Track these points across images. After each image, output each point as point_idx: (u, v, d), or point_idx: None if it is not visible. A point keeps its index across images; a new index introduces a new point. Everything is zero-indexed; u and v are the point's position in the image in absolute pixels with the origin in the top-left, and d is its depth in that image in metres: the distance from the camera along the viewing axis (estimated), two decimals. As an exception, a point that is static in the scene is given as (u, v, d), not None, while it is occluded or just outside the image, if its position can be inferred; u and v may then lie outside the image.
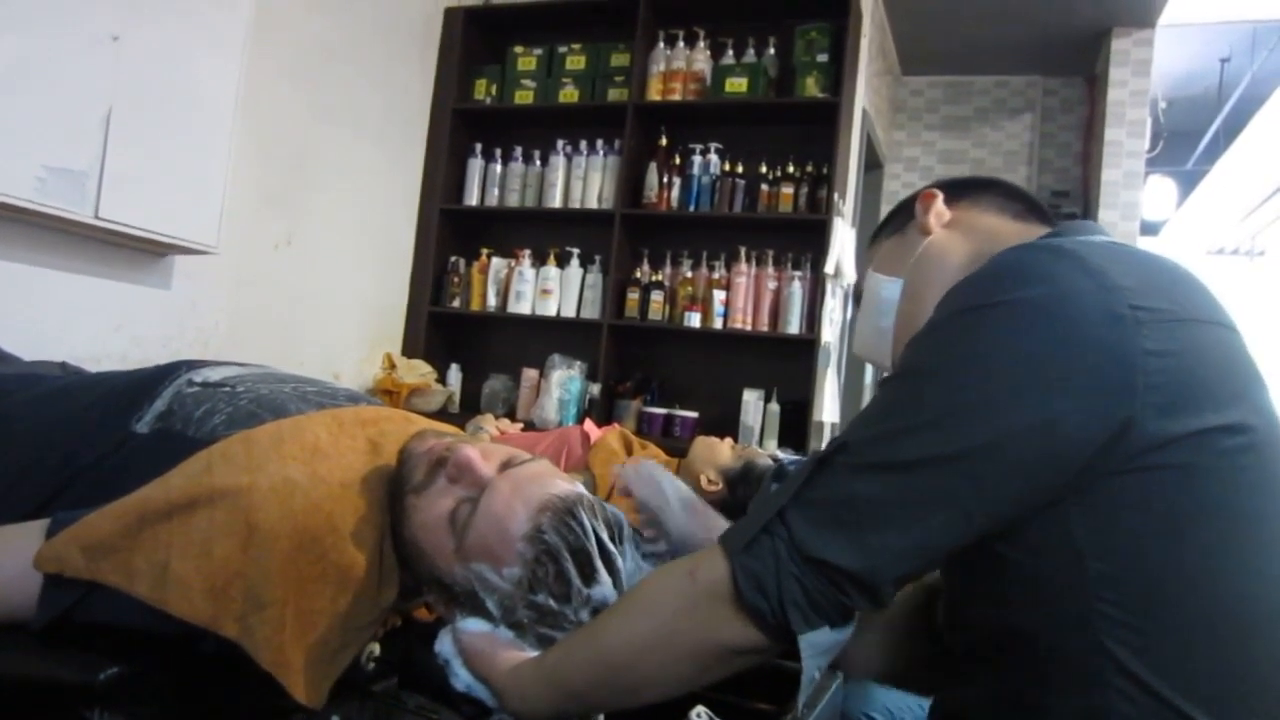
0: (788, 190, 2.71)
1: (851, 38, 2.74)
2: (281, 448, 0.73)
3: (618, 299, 2.85)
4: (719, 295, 2.74)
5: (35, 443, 0.83)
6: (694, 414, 2.74)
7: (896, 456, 0.55)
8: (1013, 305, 0.55)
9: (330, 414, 0.83)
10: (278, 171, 2.45)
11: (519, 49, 3.06)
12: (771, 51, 2.83)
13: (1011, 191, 0.77)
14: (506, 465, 0.74)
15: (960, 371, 0.56)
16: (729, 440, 1.70)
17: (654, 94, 2.84)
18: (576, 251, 2.95)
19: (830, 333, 2.76)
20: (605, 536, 0.70)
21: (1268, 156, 4.86)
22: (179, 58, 1.84)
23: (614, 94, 2.92)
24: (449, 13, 3.12)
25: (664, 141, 2.88)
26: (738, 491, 1.53)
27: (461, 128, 3.10)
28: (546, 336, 3.00)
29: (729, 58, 2.83)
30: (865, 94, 3.34)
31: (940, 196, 0.76)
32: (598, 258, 2.93)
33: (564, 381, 2.79)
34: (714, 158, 2.80)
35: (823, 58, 2.72)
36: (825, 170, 2.69)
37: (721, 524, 0.83)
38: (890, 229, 0.81)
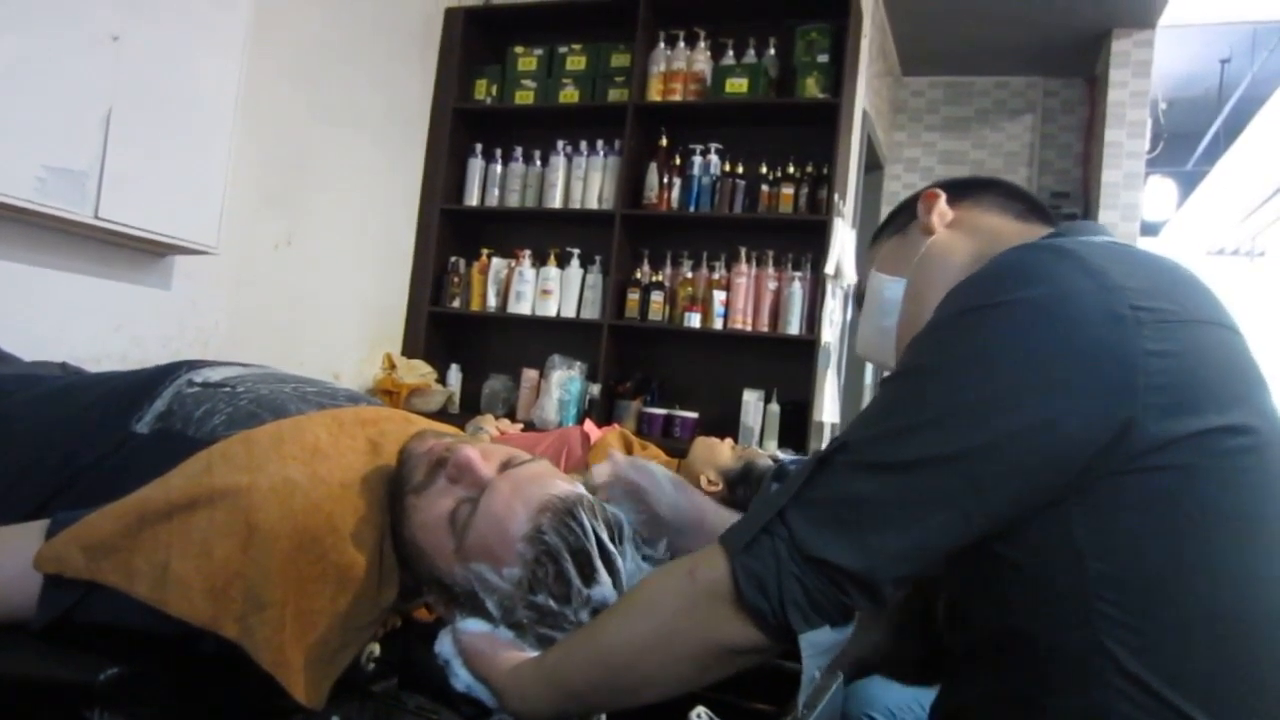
0: (788, 191, 2.71)
1: (852, 38, 2.74)
2: (281, 448, 0.73)
3: (618, 299, 2.85)
4: (719, 296, 2.74)
5: (35, 443, 0.83)
6: (694, 414, 2.74)
7: (897, 456, 0.55)
8: (1014, 305, 0.55)
9: (330, 414, 0.83)
10: (278, 171, 2.45)
11: (519, 49, 3.07)
12: (772, 52, 2.83)
13: (1013, 191, 0.77)
14: (506, 465, 0.74)
15: (961, 371, 0.56)
16: (729, 441, 1.70)
17: (654, 94, 2.84)
18: (577, 252, 2.95)
19: (830, 333, 2.76)
20: (605, 537, 0.70)
21: (1268, 157, 4.86)
22: (179, 58, 1.84)
23: (614, 94, 2.92)
24: (449, 13, 3.13)
25: (664, 142, 2.88)
26: (738, 492, 1.53)
27: (462, 128, 3.10)
28: (546, 337, 3.00)
29: (729, 58, 2.83)
30: (865, 95, 3.34)
31: (943, 196, 0.76)
32: (598, 258, 2.93)
33: (564, 382, 2.79)
34: (714, 158, 2.80)
35: (823, 58, 2.72)
36: (825, 171, 2.69)
37: (708, 502, 0.83)
38: (892, 229, 0.81)
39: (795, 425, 2.66)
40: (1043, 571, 0.57)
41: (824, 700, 0.77)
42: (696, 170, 2.80)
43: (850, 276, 2.77)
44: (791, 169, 2.73)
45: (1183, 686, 0.54)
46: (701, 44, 2.86)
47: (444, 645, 0.70)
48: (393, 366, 2.91)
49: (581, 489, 0.74)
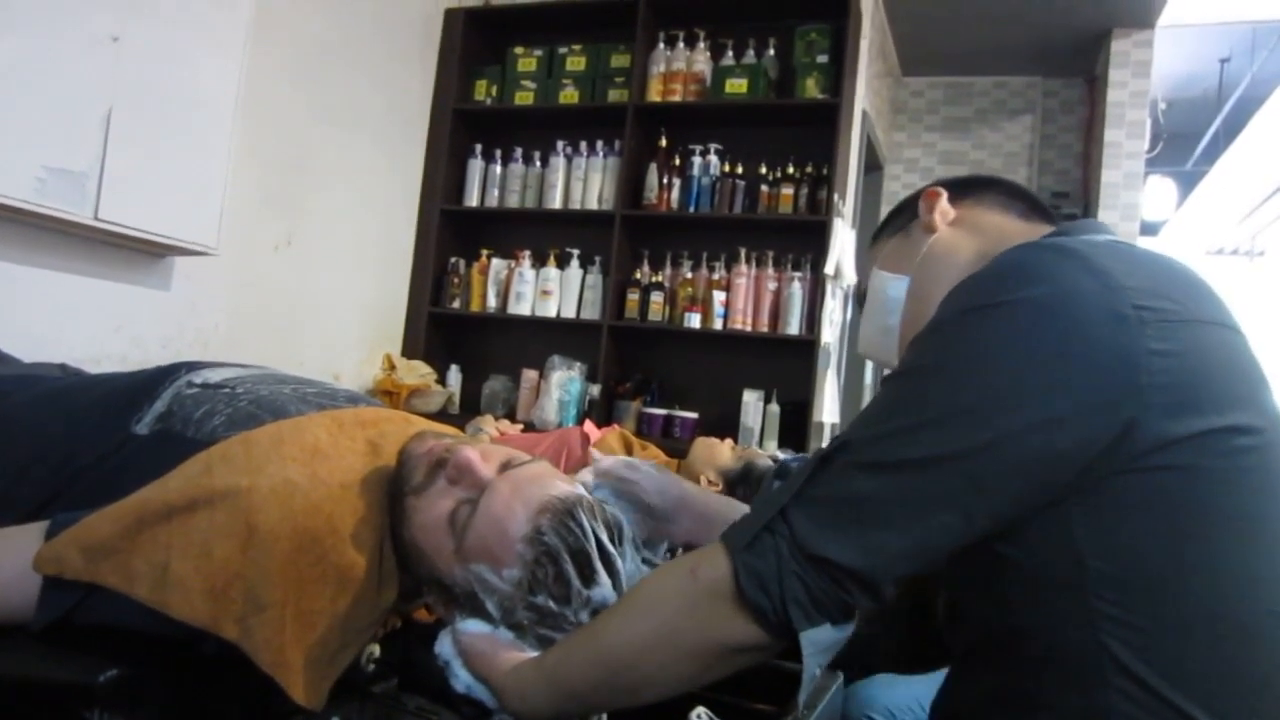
0: (788, 191, 2.71)
1: (851, 39, 2.74)
2: (281, 449, 0.73)
3: (618, 300, 2.85)
4: (719, 296, 2.74)
5: (35, 444, 0.83)
6: (694, 415, 2.74)
7: (899, 455, 0.55)
8: (1016, 305, 0.55)
9: (330, 415, 0.83)
10: (278, 172, 2.45)
11: (519, 50, 3.07)
12: (771, 53, 2.83)
13: (1015, 190, 0.77)
14: (506, 466, 0.74)
15: (963, 371, 0.56)
16: (729, 441, 1.70)
17: (654, 95, 2.84)
18: (576, 252, 2.95)
19: (830, 333, 2.76)
20: (605, 538, 0.70)
21: (1267, 157, 4.86)
22: (179, 58, 1.84)
23: (614, 95, 2.92)
24: (449, 13, 3.13)
25: (664, 142, 2.88)
26: (738, 492, 1.53)
27: (462, 128, 3.10)
28: (546, 337, 3.00)
29: (729, 59, 2.83)
30: (865, 95, 3.34)
31: (944, 195, 0.76)
32: (598, 259, 2.93)
33: (564, 382, 2.79)
34: (714, 159, 2.80)
35: (823, 59, 2.72)
36: (825, 171, 2.69)
37: (689, 483, 0.84)
38: (893, 228, 0.81)
39: (795, 425, 2.66)
40: (1043, 571, 0.57)
41: (824, 700, 0.77)
42: (696, 171, 2.80)
43: (850, 277, 2.77)
44: (791, 169, 2.73)
45: (1183, 686, 0.54)
46: (701, 44, 2.86)
47: (444, 646, 0.70)
48: (392, 367, 2.91)
49: (581, 490, 0.74)
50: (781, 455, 1.73)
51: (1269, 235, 5.78)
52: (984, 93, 4.31)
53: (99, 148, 1.69)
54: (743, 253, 2.76)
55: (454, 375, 3.08)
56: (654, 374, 2.90)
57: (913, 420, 0.56)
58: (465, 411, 2.98)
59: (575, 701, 0.63)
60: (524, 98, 3.03)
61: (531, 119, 3.12)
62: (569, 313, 2.92)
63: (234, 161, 2.00)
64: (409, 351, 3.05)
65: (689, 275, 2.84)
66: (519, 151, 3.05)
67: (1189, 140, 5.24)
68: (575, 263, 2.94)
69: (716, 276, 2.78)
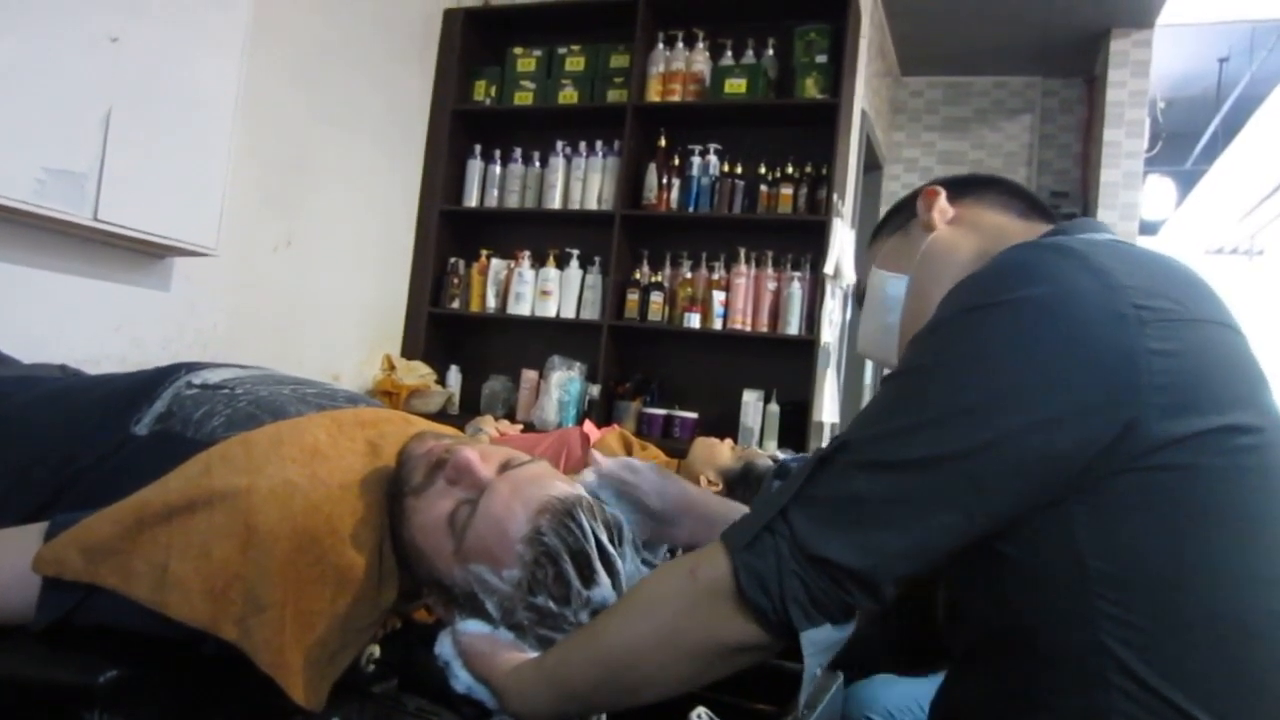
0: (787, 191, 2.71)
1: (851, 39, 2.74)
2: (280, 450, 0.73)
3: (617, 300, 2.85)
4: (718, 296, 2.74)
5: (34, 445, 0.83)
6: (694, 415, 2.74)
7: (899, 455, 0.55)
8: (1016, 304, 0.55)
9: (329, 416, 0.83)
10: (277, 173, 2.45)
11: (518, 50, 3.07)
12: (771, 53, 2.83)
13: (1014, 189, 0.77)
14: (506, 467, 0.74)
15: (963, 370, 0.56)
16: (729, 441, 1.70)
17: (653, 95, 2.84)
18: (576, 253, 2.95)
19: (830, 333, 2.76)
20: (604, 538, 0.70)
21: (1266, 156, 4.87)
22: (178, 59, 1.84)
23: (613, 95, 2.92)
24: (448, 14, 3.13)
25: (663, 142, 2.88)
26: (737, 492, 1.53)
27: (461, 129, 3.10)
28: (546, 338, 3.00)
29: (728, 59, 2.83)
30: (864, 95, 3.34)
31: (943, 193, 0.76)
32: (597, 259, 2.93)
33: (563, 383, 2.79)
34: (713, 159, 2.80)
35: (822, 59, 2.72)
36: (824, 171, 2.69)
37: (693, 487, 0.83)
38: (892, 226, 0.81)
39: (795, 425, 2.66)
40: (1044, 570, 0.57)
41: (824, 700, 0.77)
42: (696, 171, 2.80)
43: (850, 276, 2.77)
44: (790, 169, 2.73)
45: (1183, 685, 0.54)
46: (700, 45, 2.86)
47: (444, 647, 0.70)
48: (392, 368, 2.91)
49: (581, 490, 0.74)
50: (781, 455, 1.73)
51: (1268, 234, 5.79)
52: (983, 92, 4.31)
53: (98, 148, 1.69)
54: (742, 253, 2.76)
55: (454, 376, 3.08)
56: (654, 374, 2.90)
57: (913, 420, 0.56)
58: (465, 412, 2.98)
59: (576, 702, 0.63)
60: (523, 98, 3.03)
61: (531, 119, 3.12)
62: (569, 313, 2.92)
63: (233, 162, 2.00)
64: (408, 352, 3.05)
65: (688, 275, 2.84)
66: (518, 152, 3.05)
67: (1188, 139, 5.25)
68: (575, 263, 2.94)
69: (716, 276, 2.78)
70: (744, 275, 2.74)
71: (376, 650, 0.74)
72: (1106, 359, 0.53)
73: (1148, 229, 5.12)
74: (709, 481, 1.57)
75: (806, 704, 0.74)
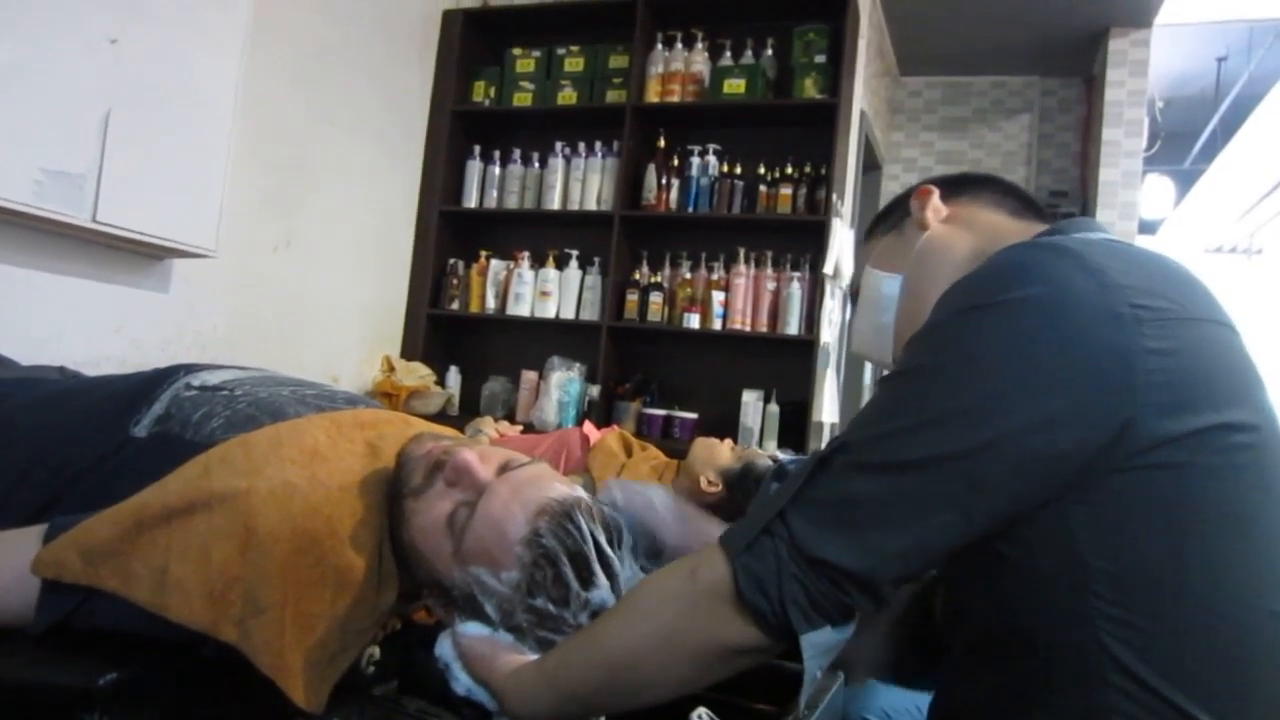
0: (786, 191, 2.71)
1: (849, 39, 2.74)
2: (280, 451, 0.73)
3: (617, 300, 2.85)
4: (718, 296, 2.74)
5: (33, 447, 0.83)
6: (693, 415, 2.74)
7: (897, 456, 0.55)
8: (1013, 304, 0.55)
9: (329, 417, 0.83)
10: (276, 174, 2.45)
11: (517, 51, 3.07)
12: (769, 53, 2.83)
13: (1007, 188, 0.77)
14: (505, 468, 0.74)
15: (961, 371, 0.56)
16: (728, 441, 1.70)
17: (652, 95, 2.84)
18: (575, 253, 2.95)
19: (829, 333, 2.76)
20: (603, 540, 0.70)
21: (1264, 155, 4.87)
22: (177, 60, 1.84)
23: (612, 96, 2.92)
24: (447, 14, 3.13)
25: (662, 143, 2.88)
26: (737, 493, 1.53)
27: (460, 130, 3.10)
28: (545, 338, 3.00)
29: (727, 59, 2.83)
30: (863, 95, 3.34)
31: (936, 192, 0.76)
32: (597, 259, 2.93)
33: (563, 383, 2.79)
34: (712, 159, 2.80)
35: (821, 59, 2.72)
36: (824, 171, 2.69)
37: (714, 529, 0.82)
38: (885, 226, 0.81)
39: (795, 425, 2.66)
40: (1042, 570, 0.57)
41: (825, 701, 0.77)
42: (695, 171, 2.80)
43: (849, 276, 2.77)
44: (790, 169, 2.73)
45: (1182, 684, 0.54)
46: (699, 45, 2.86)
47: (444, 648, 0.70)
48: (392, 369, 2.90)
49: (580, 492, 0.74)
50: (781, 455, 1.73)
51: (1267, 233, 5.79)
52: (982, 92, 4.31)
53: (97, 150, 1.69)
54: (741, 253, 2.76)
55: (453, 376, 3.08)
56: (653, 374, 2.90)
57: (911, 421, 0.56)
58: (464, 413, 2.98)
59: (576, 704, 0.63)
60: (522, 99, 3.03)
61: (530, 120, 3.12)
62: (568, 313, 2.92)
63: (233, 163, 2.00)
64: (408, 353, 3.05)
65: (688, 275, 2.84)
66: (517, 152, 3.05)
67: (1186, 139, 5.25)
68: (574, 263, 2.94)
69: (715, 277, 2.78)
70: (743, 275, 2.74)
71: (376, 652, 0.74)
72: (1103, 358, 0.53)
73: (1147, 228, 5.12)
74: (709, 481, 1.57)
75: (807, 704, 0.74)
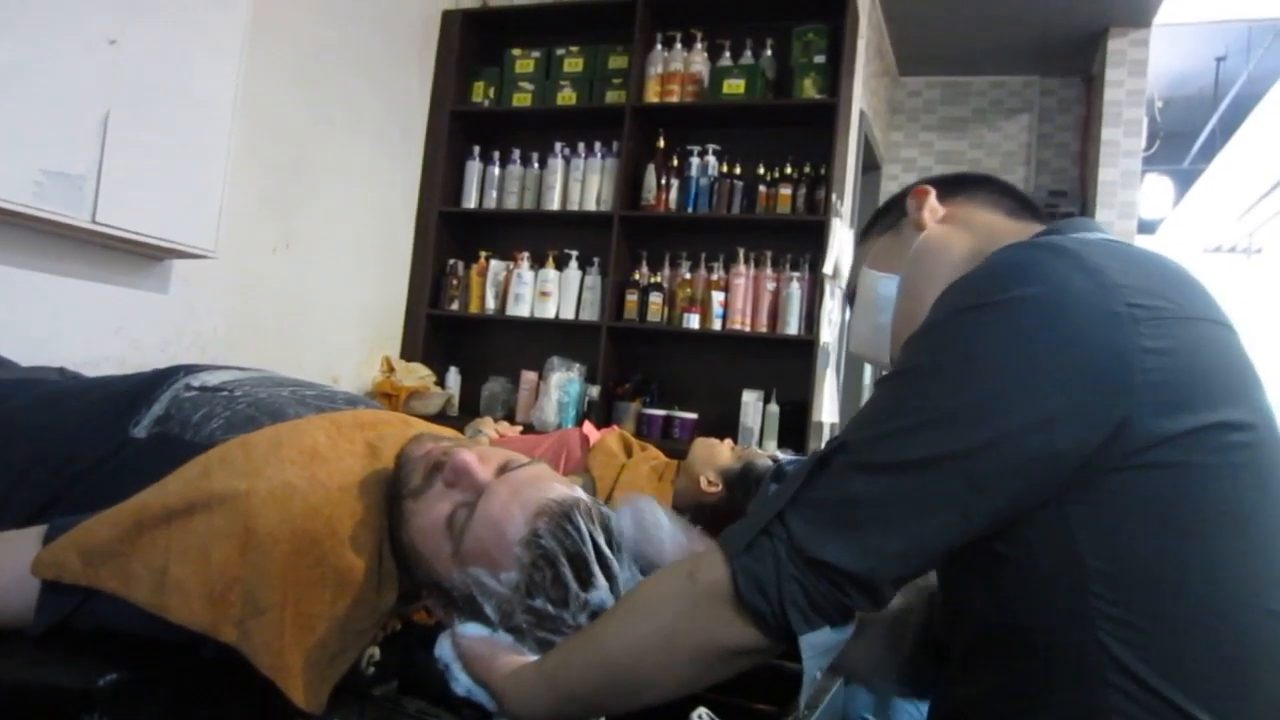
0: (786, 191, 2.71)
1: (849, 39, 2.74)
2: (280, 452, 0.73)
3: (616, 301, 2.85)
4: (718, 296, 2.74)
5: (33, 447, 0.83)
6: (693, 415, 2.74)
7: (896, 456, 0.55)
8: (1011, 304, 0.55)
9: (328, 418, 0.83)
10: (276, 174, 2.45)
11: (517, 51, 3.07)
12: (769, 53, 2.83)
13: (1003, 188, 0.77)
14: (504, 469, 0.74)
15: (959, 371, 0.56)
16: (728, 441, 1.70)
17: (652, 96, 2.84)
18: (575, 254, 2.95)
19: (829, 333, 2.76)
20: (602, 541, 0.70)
21: (1263, 154, 4.87)
22: (177, 61, 1.84)
23: (612, 96, 2.92)
24: (447, 15, 3.13)
25: (662, 143, 2.88)
26: (737, 493, 1.53)
27: (460, 130, 3.10)
28: (545, 339, 3.00)
29: (726, 59, 2.83)
30: (863, 95, 3.34)
31: (933, 192, 0.76)
32: (596, 260, 2.93)
33: (563, 384, 2.79)
34: (712, 159, 2.81)
35: (820, 59, 2.72)
36: (823, 171, 2.69)
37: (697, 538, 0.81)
38: (881, 226, 0.81)
39: (795, 425, 2.66)
40: (1041, 569, 0.57)
41: (825, 701, 0.77)
42: (694, 171, 2.80)
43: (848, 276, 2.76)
44: (789, 169, 2.73)
45: (1181, 683, 0.54)
46: (699, 45, 2.86)
47: (444, 649, 0.70)
48: (391, 369, 2.90)
49: (579, 492, 0.74)
50: (781, 455, 1.73)
51: (1266, 232, 5.79)
52: (981, 92, 4.31)
53: (96, 150, 1.69)
54: (741, 253, 2.76)
55: (453, 377, 3.08)
56: (653, 375, 2.90)
57: (911, 421, 0.56)
58: (464, 413, 2.98)
59: (576, 704, 0.63)
60: (522, 99, 3.03)
61: (529, 120, 3.12)
62: (568, 314, 2.92)
63: (232, 163, 2.00)
64: (408, 353, 3.05)
65: (688, 276, 2.84)
66: (517, 153, 3.05)
67: (1185, 138, 5.25)
68: (574, 264, 2.94)
69: (715, 277, 2.78)
70: (743, 275, 2.74)
71: (376, 652, 0.74)
72: (1101, 358, 0.53)
73: (1146, 228, 5.13)
74: (709, 482, 1.57)
75: (807, 705, 0.74)
